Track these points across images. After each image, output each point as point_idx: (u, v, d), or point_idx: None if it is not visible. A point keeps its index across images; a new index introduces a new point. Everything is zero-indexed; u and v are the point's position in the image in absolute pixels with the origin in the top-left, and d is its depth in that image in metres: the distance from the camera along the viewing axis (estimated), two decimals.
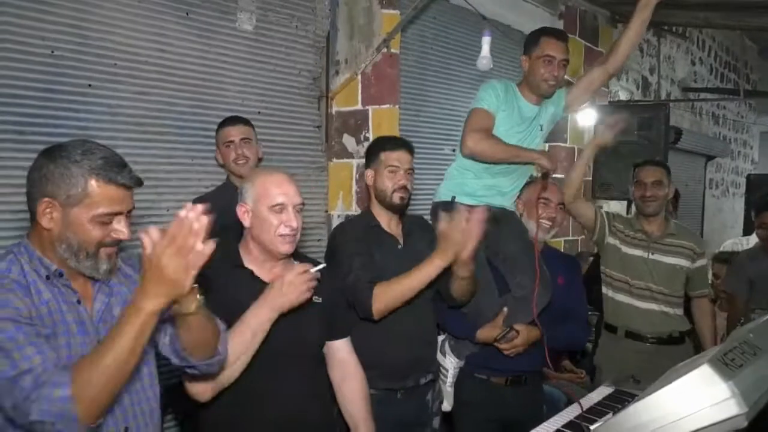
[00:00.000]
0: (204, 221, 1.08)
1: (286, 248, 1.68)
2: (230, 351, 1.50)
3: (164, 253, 1.08)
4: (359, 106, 3.09)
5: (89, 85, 2.31)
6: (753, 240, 4.93)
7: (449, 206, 2.39)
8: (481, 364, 2.35)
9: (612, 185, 4.26)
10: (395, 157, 2.12)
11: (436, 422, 2.25)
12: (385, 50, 3.02)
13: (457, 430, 2.40)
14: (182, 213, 1.08)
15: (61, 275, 1.27)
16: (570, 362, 3.50)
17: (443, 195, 2.46)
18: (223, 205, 2.33)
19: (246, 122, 2.49)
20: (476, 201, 2.40)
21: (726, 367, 1.12)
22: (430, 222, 2.42)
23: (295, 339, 1.71)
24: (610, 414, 1.80)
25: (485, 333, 2.28)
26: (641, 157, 3.86)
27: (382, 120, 3.06)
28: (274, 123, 2.95)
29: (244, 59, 2.81)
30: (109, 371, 1.11)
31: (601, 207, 3.06)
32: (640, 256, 2.74)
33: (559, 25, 4.28)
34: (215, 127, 2.50)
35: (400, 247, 2.16)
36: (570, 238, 4.54)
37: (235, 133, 2.43)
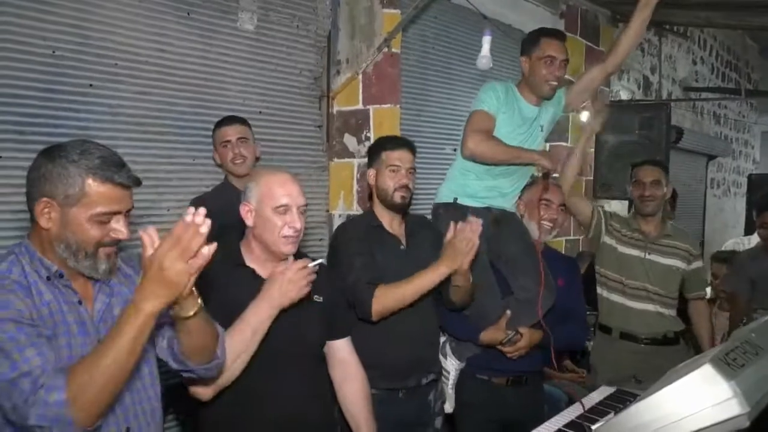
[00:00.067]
0: (208, 225, 1.08)
1: (289, 249, 1.68)
2: (230, 350, 1.50)
3: (167, 256, 1.08)
4: (360, 106, 3.08)
5: (90, 85, 2.31)
6: (754, 240, 4.92)
7: (451, 208, 2.40)
8: (483, 365, 2.35)
9: (613, 185, 4.25)
10: (396, 157, 2.12)
11: (438, 422, 2.25)
12: (386, 50, 3.02)
13: (459, 431, 2.40)
14: (187, 217, 1.08)
15: (61, 276, 1.27)
16: (571, 362, 3.50)
17: (445, 196, 2.46)
18: (221, 204, 2.34)
19: (242, 121, 2.48)
20: (478, 202, 2.40)
21: (728, 366, 1.12)
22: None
23: (296, 338, 1.71)
24: (612, 414, 1.80)
25: (489, 335, 2.28)
26: (642, 156, 3.86)
27: (383, 120, 3.05)
28: (275, 123, 2.95)
29: (245, 59, 2.81)
30: (106, 373, 1.11)
31: (602, 207, 3.05)
32: (637, 256, 2.74)
33: (560, 24, 4.28)
34: None
35: (402, 247, 2.16)
36: (571, 237, 4.54)
37: (231, 132, 2.43)
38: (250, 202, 1.68)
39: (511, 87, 2.40)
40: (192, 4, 2.60)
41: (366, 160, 2.28)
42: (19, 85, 2.13)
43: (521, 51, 2.42)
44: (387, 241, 2.15)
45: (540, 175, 2.39)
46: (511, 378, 2.38)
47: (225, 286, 1.64)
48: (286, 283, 1.62)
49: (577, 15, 4.41)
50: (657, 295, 2.72)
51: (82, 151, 1.24)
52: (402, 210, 2.17)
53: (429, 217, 2.52)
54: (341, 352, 1.87)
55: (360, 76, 3.06)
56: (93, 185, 1.23)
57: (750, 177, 6.92)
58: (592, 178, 4.41)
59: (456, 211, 2.37)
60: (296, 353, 1.71)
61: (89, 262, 1.26)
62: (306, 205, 1.71)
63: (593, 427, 1.49)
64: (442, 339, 2.37)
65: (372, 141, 2.98)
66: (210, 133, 2.54)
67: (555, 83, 2.36)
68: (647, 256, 2.73)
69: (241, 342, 1.58)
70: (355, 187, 3.10)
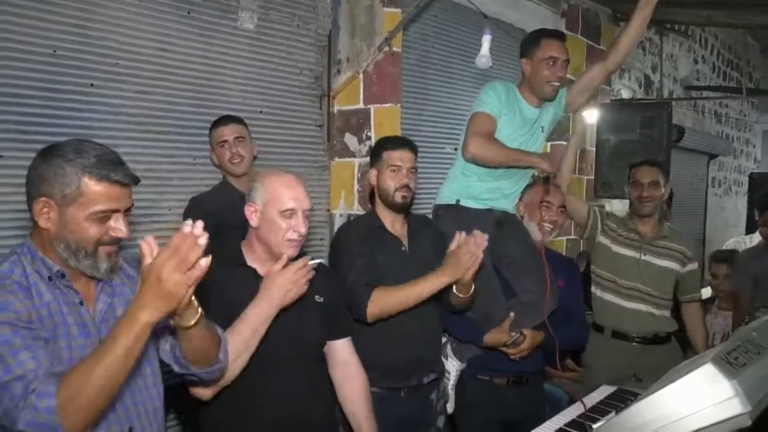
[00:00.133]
0: (206, 238, 1.08)
1: (292, 252, 1.68)
2: (231, 349, 1.50)
3: (164, 266, 1.07)
4: (361, 105, 3.08)
5: (91, 85, 2.31)
6: (756, 238, 4.92)
7: (453, 209, 2.39)
8: (483, 366, 2.36)
9: (614, 184, 4.25)
10: (397, 157, 2.12)
11: (441, 421, 2.24)
12: (386, 49, 3.01)
13: None
14: (186, 228, 1.07)
15: (63, 276, 1.27)
16: (572, 361, 3.50)
17: (446, 197, 2.45)
18: (220, 204, 2.35)
19: (238, 121, 2.48)
20: (481, 204, 2.40)
21: (729, 365, 1.12)
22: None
23: (296, 339, 1.71)
24: (613, 413, 1.80)
25: (492, 338, 2.28)
26: (643, 155, 3.86)
27: (384, 119, 3.05)
28: (275, 122, 2.95)
29: (246, 58, 2.81)
30: (99, 382, 1.10)
31: (603, 206, 3.05)
32: (632, 257, 2.75)
33: (561, 23, 4.28)
34: None
35: (403, 249, 2.16)
36: (572, 237, 4.53)
37: (228, 132, 2.42)
38: (255, 203, 1.68)
39: (512, 88, 2.38)
40: (192, 4, 2.60)
41: (367, 159, 2.28)
42: (20, 85, 2.13)
43: (521, 52, 2.41)
44: (388, 242, 2.14)
45: (541, 176, 2.38)
46: (512, 378, 2.38)
47: (225, 285, 1.64)
48: (286, 283, 1.62)
49: (578, 14, 4.40)
50: (649, 296, 2.73)
51: (79, 150, 1.24)
52: (403, 210, 2.16)
53: (430, 216, 2.52)
54: (342, 353, 1.87)
55: (361, 75, 3.06)
56: (90, 184, 1.23)
57: (751, 176, 6.92)
58: (593, 177, 4.40)
59: (458, 213, 2.37)
60: (297, 353, 1.71)
61: (89, 261, 1.26)
62: (311, 209, 1.71)
63: (594, 426, 1.49)
64: (443, 340, 2.37)
65: (373, 140, 2.98)
66: None
67: (557, 84, 2.35)
68: (642, 257, 2.73)
69: (241, 342, 1.58)
70: (356, 186, 3.09)
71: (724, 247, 5.07)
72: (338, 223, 3.10)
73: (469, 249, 1.94)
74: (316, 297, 1.78)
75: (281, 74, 2.96)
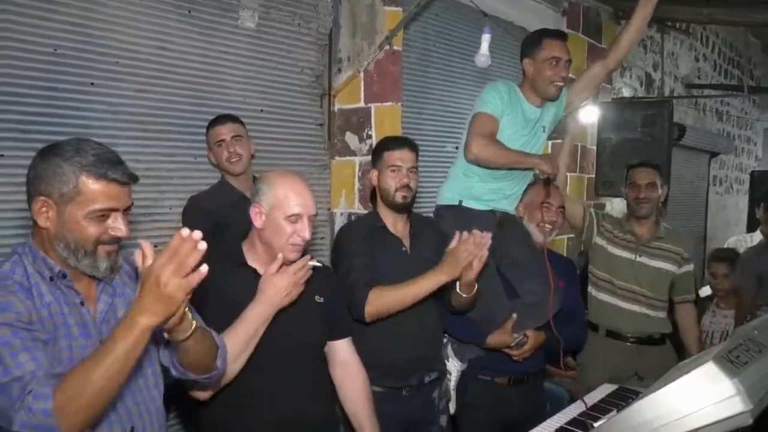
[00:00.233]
0: (204, 246, 1.07)
1: (294, 256, 1.68)
2: (229, 350, 1.50)
3: (163, 270, 1.06)
4: (362, 104, 3.08)
5: (92, 84, 2.31)
6: (756, 237, 4.93)
7: (456, 210, 2.39)
8: (484, 366, 2.36)
9: (615, 183, 4.24)
10: (397, 156, 2.12)
11: (443, 420, 2.24)
12: (387, 47, 3.01)
13: None
14: (184, 232, 1.06)
15: (64, 276, 1.27)
16: (573, 359, 3.50)
17: (448, 198, 2.44)
18: (218, 203, 2.35)
19: (235, 119, 2.47)
20: (483, 205, 2.39)
21: (731, 364, 1.12)
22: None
23: (296, 339, 1.71)
24: (614, 411, 1.80)
25: (495, 339, 2.28)
26: (644, 154, 3.86)
27: (385, 118, 3.05)
28: (276, 121, 2.95)
29: (246, 57, 2.81)
30: (96, 386, 1.09)
31: (603, 205, 3.05)
32: (627, 258, 2.75)
33: (563, 21, 4.27)
34: None
35: (404, 249, 2.16)
36: (573, 236, 4.53)
37: (225, 131, 2.42)
38: (261, 204, 1.67)
39: (514, 88, 2.37)
40: (193, 2, 2.60)
41: (367, 158, 2.28)
42: (20, 84, 2.13)
43: (523, 52, 2.39)
44: (389, 243, 2.14)
45: (542, 178, 2.38)
46: (513, 378, 2.38)
47: (225, 285, 1.64)
48: (284, 285, 1.63)
49: (579, 12, 4.39)
50: (644, 297, 2.74)
51: (77, 149, 1.23)
52: (404, 210, 2.16)
53: (431, 215, 2.51)
54: (342, 353, 1.87)
55: (361, 74, 3.06)
56: (87, 182, 1.22)
57: (752, 174, 6.91)
58: (593, 175, 4.40)
59: (460, 214, 2.36)
60: (297, 353, 1.72)
61: (89, 260, 1.26)
62: (316, 214, 1.71)
63: (596, 425, 1.49)
64: (443, 340, 2.36)
65: (373, 139, 2.98)
66: None
67: (561, 84, 2.34)
68: (637, 259, 2.74)
69: (239, 343, 1.58)
70: (357, 185, 3.09)
71: (725, 246, 5.07)
72: (339, 222, 3.10)
73: (467, 248, 1.94)
74: (316, 297, 1.78)
75: (282, 73, 2.96)
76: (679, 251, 2.77)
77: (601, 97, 4.51)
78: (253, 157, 2.53)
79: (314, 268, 1.72)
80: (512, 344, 2.27)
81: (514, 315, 2.29)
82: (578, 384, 2.84)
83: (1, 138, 2.10)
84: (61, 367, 1.17)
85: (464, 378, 2.36)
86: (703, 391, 1.09)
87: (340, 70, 3.13)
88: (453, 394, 2.35)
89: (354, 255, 2.04)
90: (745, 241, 5.13)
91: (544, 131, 2.47)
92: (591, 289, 2.85)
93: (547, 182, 2.37)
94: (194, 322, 1.23)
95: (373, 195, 2.26)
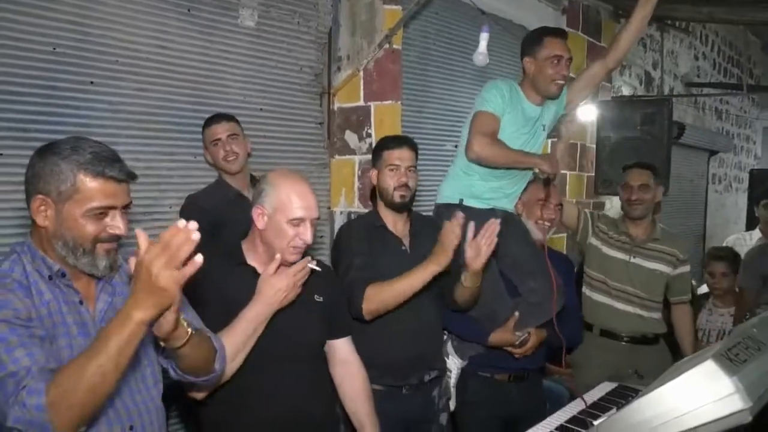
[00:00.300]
0: (198, 237, 1.05)
1: (294, 258, 1.68)
2: (227, 350, 1.50)
3: (154, 262, 1.04)
4: (361, 103, 3.08)
5: (91, 83, 2.31)
6: (756, 235, 4.93)
7: (457, 209, 2.38)
8: (485, 363, 2.37)
9: (614, 182, 4.23)
10: (396, 156, 2.13)
11: (443, 418, 2.25)
12: (387, 46, 3.01)
13: (461, 429, 2.40)
14: (180, 223, 1.04)
15: (63, 275, 1.27)
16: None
17: (448, 196, 2.44)
18: (215, 202, 2.36)
19: (230, 118, 2.47)
20: (484, 203, 2.39)
21: (730, 362, 1.12)
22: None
23: (296, 338, 1.71)
24: (614, 409, 1.80)
25: (498, 337, 2.29)
26: (644, 152, 3.86)
27: (385, 116, 3.05)
28: (275, 119, 2.95)
29: (246, 56, 2.81)
30: (90, 382, 1.08)
31: (604, 206, 3.06)
32: (622, 259, 2.76)
33: (562, 20, 4.27)
34: None
35: (404, 248, 2.16)
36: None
37: (220, 130, 2.42)
38: (264, 206, 1.67)
39: (514, 86, 2.36)
40: (192, 1, 2.59)
41: (367, 156, 2.29)
42: (19, 83, 2.13)
43: (523, 51, 2.38)
44: (389, 242, 2.15)
45: (542, 178, 2.38)
46: (513, 374, 2.39)
47: (225, 284, 1.65)
48: (283, 286, 1.63)
49: (578, 11, 4.39)
50: (638, 298, 2.74)
51: (74, 147, 1.23)
52: (403, 209, 2.16)
53: (430, 213, 2.52)
54: (342, 352, 1.87)
55: (361, 73, 3.06)
56: (85, 180, 1.22)
57: (751, 172, 6.91)
58: (593, 174, 4.40)
59: (462, 212, 2.36)
60: (296, 353, 1.72)
61: (88, 258, 1.26)
62: (319, 218, 1.71)
63: (596, 423, 1.49)
64: (444, 337, 2.37)
65: (373, 138, 2.98)
66: None
67: (562, 82, 2.33)
68: (632, 260, 2.75)
69: (238, 342, 1.58)
70: (357, 184, 3.09)
71: (724, 244, 5.07)
72: (338, 220, 3.10)
73: (453, 229, 1.95)
74: (316, 296, 1.79)
75: (281, 71, 2.96)
76: (675, 253, 2.77)
77: (601, 96, 4.51)
78: (249, 155, 2.53)
79: (314, 271, 1.72)
80: (517, 342, 2.28)
81: (517, 313, 2.29)
82: (574, 383, 2.84)
83: (0, 137, 2.09)
84: (50, 366, 1.16)
85: (464, 375, 2.37)
86: (703, 389, 1.10)
87: (339, 69, 3.13)
88: (453, 391, 2.35)
89: (353, 254, 2.05)
90: (744, 239, 5.13)
91: (544, 129, 2.47)
92: (585, 290, 2.86)
93: (548, 182, 2.37)
94: (189, 330, 1.23)
95: (373, 194, 2.26)
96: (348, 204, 3.12)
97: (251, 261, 1.73)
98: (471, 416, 2.37)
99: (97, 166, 1.23)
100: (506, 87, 2.32)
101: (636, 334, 2.74)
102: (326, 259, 2.40)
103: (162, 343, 1.24)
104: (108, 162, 1.24)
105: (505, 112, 2.30)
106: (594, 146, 4.43)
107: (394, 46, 3.05)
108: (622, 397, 2.02)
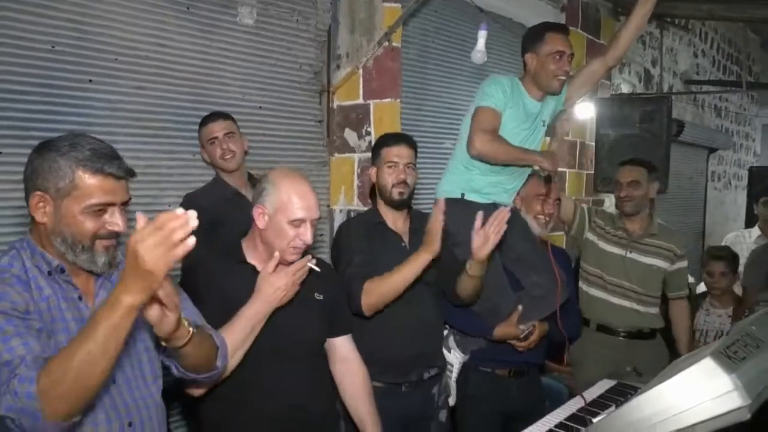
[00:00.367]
0: (195, 223, 1.01)
1: (294, 258, 1.69)
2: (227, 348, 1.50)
3: (143, 244, 1.00)
4: (361, 101, 3.07)
5: (90, 81, 2.31)
6: (755, 232, 4.93)
7: (458, 203, 2.38)
8: (486, 358, 2.37)
9: (613, 179, 4.24)
10: (394, 153, 2.13)
11: (443, 416, 2.26)
12: (386, 44, 3.01)
13: (462, 424, 2.41)
14: (179, 210, 1.01)
15: (62, 271, 1.27)
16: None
17: (447, 191, 2.43)
18: (213, 201, 2.36)
19: (226, 116, 2.47)
20: (484, 198, 2.39)
21: (729, 359, 1.12)
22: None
23: (296, 336, 1.72)
24: (613, 407, 1.80)
25: (502, 331, 2.29)
26: (643, 150, 3.86)
27: (384, 114, 3.05)
28: (275, 118, 2.94)
29: (245, 54, 2.81)
30: (79, 368, 1.06)
31: (603, 203, 3.06)
32: (618, 255, 2.77)
33: (561, 17, 4.26)
34: None
35: (403, 245, 2.16)
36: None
37: (217, 129, 2.42)
38: (265, 206, 1.66)
39: (515, 81, 2.36)
40: None
41: (366, 154, 2.29)
42: (18, 81, 2.13)
43: (524, 47, 2.37)
44: (389, 239, 2.15)
45: (542, 174, 2.39)
46: (514, 369, 2.40)
47: (224, 281, 1.65)
48: (282, 285, 1.63)
49: (578, 8, 4.38)
50: (634, 293, 2.75)
51: (73, 144, 1.23)
52: (402, 206, 2.17)
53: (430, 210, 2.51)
54: (342, 349, 1.87)
55: (360, 71, 3.05)
56: (83, 177, 1.22)
57: (751, 170, 6.90)
58: (592, 171, 4.40)
59: (463, 207, 2.36)
60: (297, 350, 1.72)
61: (87, 255, 1.26)
62: (319, 218, 1.71)
63: (594, 421, 1.50)
64: (445, 332, 2.37)
65: (373, 135, 2.98)
66: None
67: (564, 78, 2.33)
68: (628, 255, 2.76)
69: (237, 340, 1.59)
70: (356, 182, 3.09)
71: (723, 242, 5.07)
72: (338, 218, 3.10)
73: (437, 216, 1.97)
74: (316, 294, 1.79)
75: (281, 70, 2.95)
76: (672, 248, 2.78)
77: (600, 93, 4.51)
78: (246, 153, 2.53)
79: (313, 271, 1.72)
80: (521, 336, 2.28)
81: (520, 307, 2.30)
82: (574, 381, 2.85)
83: None
84: (43, 356, 1.16)
85: (466, 369, 2.37)
86: (702, 387, 1.10)
87: (338, 67, 3.13)
88: (454, 385, 2.36)
89: (353, 252, 2.05)
90: (743, 236, 5.12)
91: (543, 125, 2.46)
92: (582, 284, 2.87)
93: (548, 179, 2.38)
94: (191, 329, 1.23)
95: (372, 192, 2.26)
96: (347, 202, 3.12)
97: (251, 259, 1.73)
98: (472, 410, 2.38)
99: (95, 163, 1.23)
100: (508, 82, 2.31)
101: (632, 329, 2.76)
102: (326, 257, 2.40)
103: (163, 343, 1.24)
104: (107, 158, 1.24)
105: (506, 108, 2.29)
106: (593, 144, 4.43)
107: (394, 44, 3.05)
108: (621, 394, 2.03)
